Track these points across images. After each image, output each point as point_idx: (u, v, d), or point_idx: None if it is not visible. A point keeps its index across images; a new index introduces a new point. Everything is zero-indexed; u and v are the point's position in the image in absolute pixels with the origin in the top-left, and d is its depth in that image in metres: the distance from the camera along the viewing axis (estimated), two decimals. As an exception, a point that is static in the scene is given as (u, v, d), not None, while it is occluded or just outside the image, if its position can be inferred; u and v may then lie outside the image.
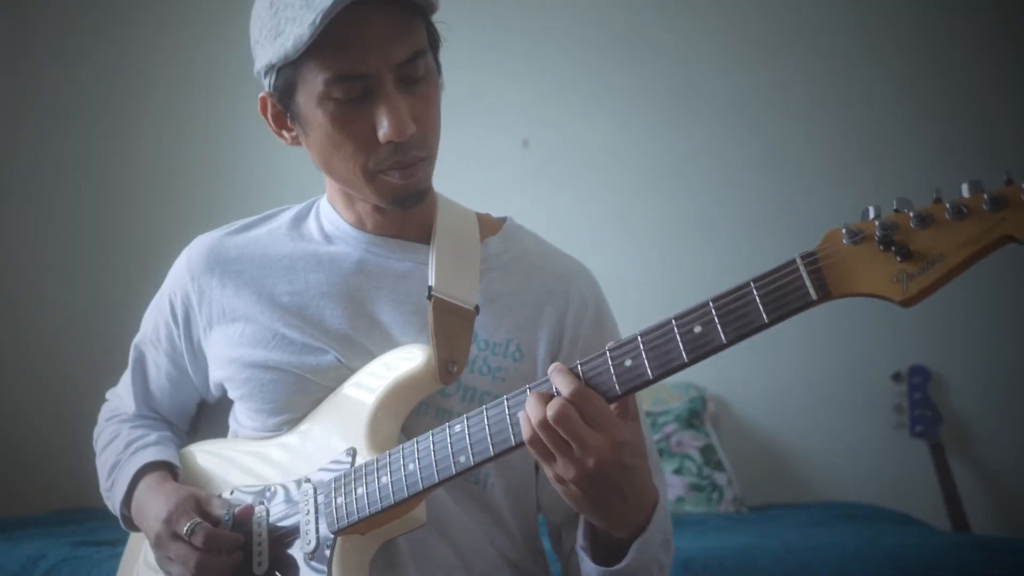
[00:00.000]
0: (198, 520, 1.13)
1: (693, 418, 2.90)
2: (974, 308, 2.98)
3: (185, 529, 1.13)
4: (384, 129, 1.08)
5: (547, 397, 0.96)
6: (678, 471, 2.78)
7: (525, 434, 0.96)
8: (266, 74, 1.13)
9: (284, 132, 1.18)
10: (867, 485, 2.97)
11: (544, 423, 0.94)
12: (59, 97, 3.33)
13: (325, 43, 1.04)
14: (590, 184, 3.23)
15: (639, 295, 2.91)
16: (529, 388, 1.00)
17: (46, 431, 3.05)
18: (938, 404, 2.99)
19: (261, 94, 1.16)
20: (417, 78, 1.11)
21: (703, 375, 2.99)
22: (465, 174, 3.14)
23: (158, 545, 1.17)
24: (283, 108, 1.15)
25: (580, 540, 1.08)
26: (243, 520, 1.16)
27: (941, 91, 3.12)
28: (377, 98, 1.08)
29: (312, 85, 1.09)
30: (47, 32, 3.35)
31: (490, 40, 3.18)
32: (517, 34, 3.29)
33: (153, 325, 1.33)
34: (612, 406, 0.97)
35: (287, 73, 1.10)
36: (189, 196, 3.25)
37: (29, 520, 2.67)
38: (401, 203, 1.16)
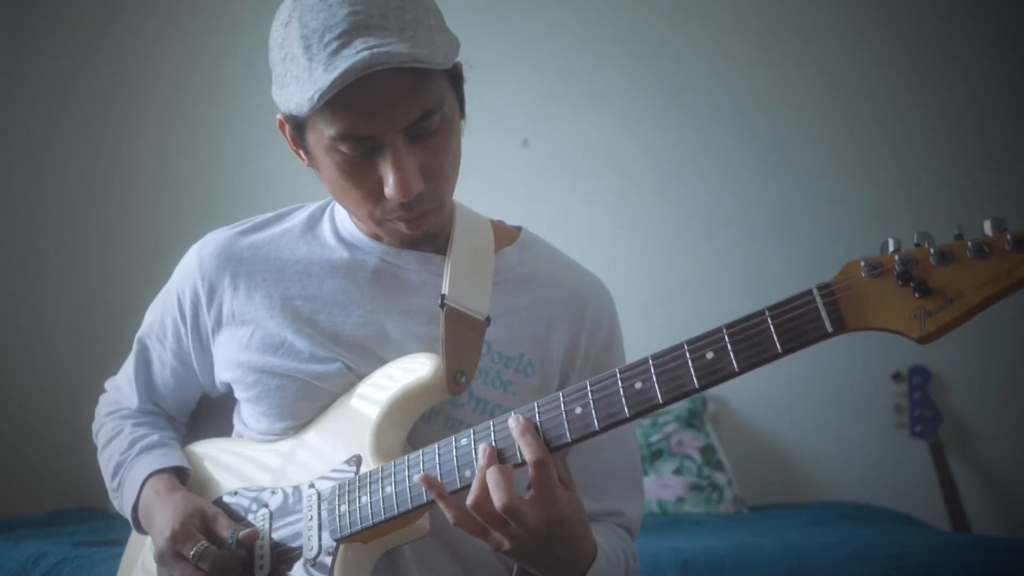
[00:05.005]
0: (205, 543, 1.12)
1: (693, 418, 2.90)
2: (974, 308, 2.97)
3: (192, 552, 1.12)
4: (389, 187, 1.06)
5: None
6: (678, 471, 2.78)
7: (452, 516, 0.99)
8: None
9: (301, 152, 1.16)
10: (867, 485, 2.96)
11: (479, 504, 0.97)
12: (59, 97, 3.33)
13: (331, 103, 1.02)
14: (590, 184, 3.23)
15: (639, 295, 2.91)
16: (538, 404, 1.01)
17: (46, 431, 3.05)
18: (938, 404, 2.99)
19: (279, 115, 1.14)
20: (429, 133, 1.07)
21: (703, 375, 2.99)
22: (465, 174, 3.13)
23: (161, 561, 1.16)
24: (298, 136, 1.13)
25: None
26: (246, 545, 1.15)
27: (941, 90, 3.12)
28: (384, 154, 1.06)
29: (320, 135, 1.07)
30: (47, 32, 3.35)
31: (490, 40, 3.18)
32: (517, 34, 3.29)
33: (159, 320, 1.31)
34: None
35: (296, 116, 1.08)
36: (189, 196, 3.25)
37: (29, 520, 2.67)
38: (408, 244, 1.18)
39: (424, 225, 1.13)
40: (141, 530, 1.27)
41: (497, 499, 0.95)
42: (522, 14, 3.29)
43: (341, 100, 1.01)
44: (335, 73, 0.99)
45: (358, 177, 1.08)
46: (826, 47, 3.18)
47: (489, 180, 3.11)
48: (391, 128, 1.04)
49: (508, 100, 3.24)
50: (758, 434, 3.12)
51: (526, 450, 0.97)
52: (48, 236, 3.29)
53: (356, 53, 0.99)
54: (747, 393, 3.11)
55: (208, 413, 1.40)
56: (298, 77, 1.03)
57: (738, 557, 1.84)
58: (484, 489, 0.97)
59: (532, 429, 0.98)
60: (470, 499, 0.97)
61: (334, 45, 1.00)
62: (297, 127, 1.10)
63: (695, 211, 3.18)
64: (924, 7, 3.17)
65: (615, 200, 3.22)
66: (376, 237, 1.22)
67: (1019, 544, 1.87)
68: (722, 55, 3.23)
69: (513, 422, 0.99)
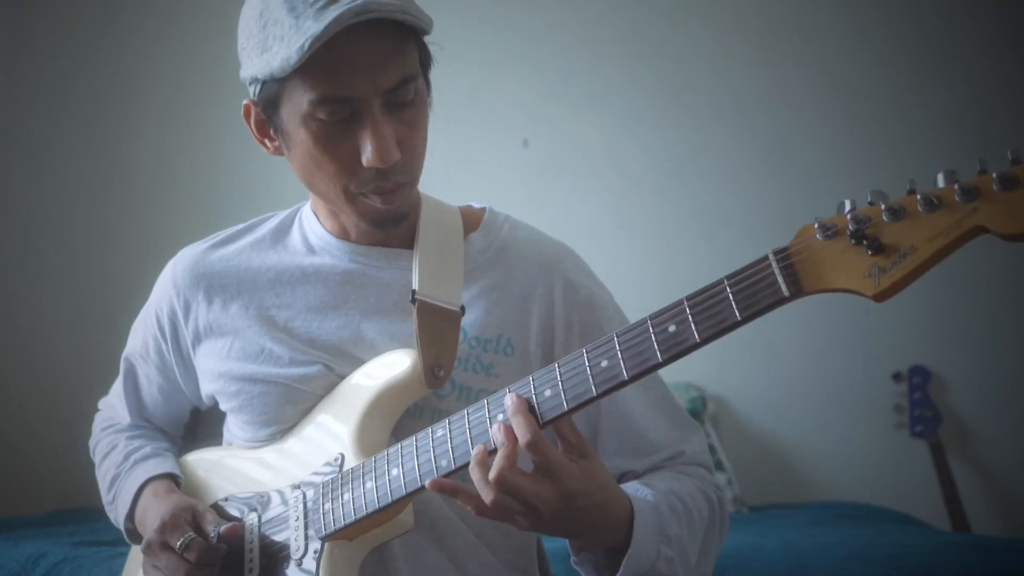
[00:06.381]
0: (192, 534, 1.12)
1: (693, 418, 2.89)
2: (974, 308, 2.98)
3: (179, 543, 1.12)
4: (368, 154, 1.07)
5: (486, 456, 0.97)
6: (678, 471, 2.77)
7: (474, 507, 0.97)
8: (251, 83, 1.13)
9: (267, 141, 1.17)
10: (867, 485, 2.96)
11: (495, 481, 0.95)
12: (59, 97, 3.33)
13: (313, 64, 1.03)
14: (590, 184, 3.23)
15: (639, 295, 2.90)
16: (509, 389, 1.00)
17: (46, 431, 3.05)
18: (938, 404, 2.99)
19: (245, 101, 1.16)
20: (405, 103, 1.09)
21: (703, 375, 2.99)
22: (465, 174, 3.14)
23: (147, 552, 1.16)
24: (267, 118, 1.14)
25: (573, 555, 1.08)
26: (229, 538, 1.15)
27: (941, 90, 3.12)
28: (363, 121, 1.07)
29: (297, 103, 1.07)
30: (47, 32, 3.35)
31: (490, 40, 3.18)
32: (517, 34, 3.28)
33: (142, 339, 1.33)
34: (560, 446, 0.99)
35: (272, 87, 1.09)
36: (189, 196, 3.25)
37: (29, 520, 2.67)
38: (380, 225, 1.16)
39: (397, 200, 1.13)
40: (135, 540, 1.27)
41: (496, 465, 0.95)
42: (522, 14, 3.29)
43: (323, 60, 1.02)
44: (326, 20, 1.00)
45: (334, 149, 1.08)
46: (826, 47, 3.18)
47: (489, 180, 3.12)
48: (371, 90, 1.05)
49: (508, 100, 3.24)
50: (758, 434, 3.12)
51: (517, 431, 0.96)
52: (48, 236, 3.29)
53: (347, 4, 1.01)
54: (747, 393, 3.11)
55: (207, 424, 1.40)
56: (283, 36, 1.04)
57: (738, 557, 1.84)
58: (502, 465, 0.96)
59: (524, 408, 0.97)
60: (493, 473, 0.95)
61: (321, 2, 1.02)
62: (270, 103, 1.11)
63: (695, 211, 3.18)
64: (924, 7, 3.17)
65: (615, 200, 3.22)
66: (344, 236, 1.22)
67: (1019, 544, 1.88)
68: (722, 55, 3.23)
69: (510, 400, 0.98)
